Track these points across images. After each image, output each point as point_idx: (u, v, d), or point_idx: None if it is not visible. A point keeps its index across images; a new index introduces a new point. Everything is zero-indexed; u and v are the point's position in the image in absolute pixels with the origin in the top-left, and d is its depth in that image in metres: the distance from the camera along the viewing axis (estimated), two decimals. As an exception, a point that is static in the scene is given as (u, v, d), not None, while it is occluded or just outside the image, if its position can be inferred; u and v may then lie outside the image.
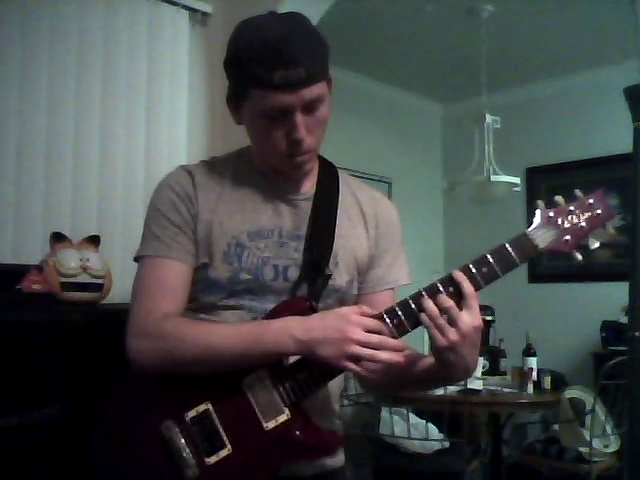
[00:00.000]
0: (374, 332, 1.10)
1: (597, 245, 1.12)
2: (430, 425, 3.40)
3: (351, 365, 1.08)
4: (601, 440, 3.40)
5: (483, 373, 3.52)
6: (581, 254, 1.12)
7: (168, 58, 2.74)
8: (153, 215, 1.23)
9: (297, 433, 1.13)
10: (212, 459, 1.14)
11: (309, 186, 1.28)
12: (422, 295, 1.11)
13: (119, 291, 2.21)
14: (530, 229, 1.13)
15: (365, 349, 1.08)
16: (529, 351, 3.47)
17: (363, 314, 1.12)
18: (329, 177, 1.31)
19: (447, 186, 4.11)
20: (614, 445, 3.43)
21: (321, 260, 1.21)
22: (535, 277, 4.83)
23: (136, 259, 1.24)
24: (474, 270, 1.11)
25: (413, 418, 3.49)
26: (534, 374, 3.40)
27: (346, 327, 1.08)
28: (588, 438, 3.31)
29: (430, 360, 1.17)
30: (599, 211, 1.13)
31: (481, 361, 3.48)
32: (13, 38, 2.31)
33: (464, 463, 3.29)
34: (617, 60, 4.32)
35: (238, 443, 1.14)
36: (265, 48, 1.08)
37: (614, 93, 2.21)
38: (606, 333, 4.22)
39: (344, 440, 1.26)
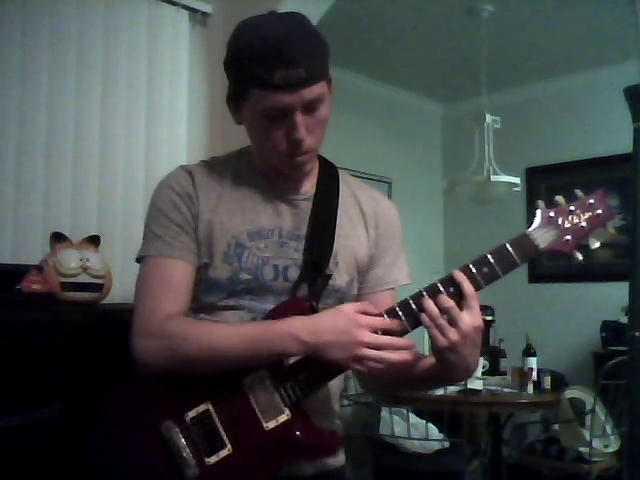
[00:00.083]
0: (383, 331, 1.10)
1: (597, 245, 1.12)
2: (430, 425, 3.40)
3: (360, 367, 1.09)
4: (601, 440, 3.40)
5: (483, 373, 3.52)
6: (582, 254, 1.12)
7: (168, 58, 2.74)
8: (154, 215, 1.23)
9: (297, 433, 1.13)
10: (212, 459, 1.14)
11: (309, 186, 1.28)
12: (422, 295, 1.11)
13: (119, 291, 2.21)
14: (530, 229, 1.13)
15: (374, 351, 1.08)
16: (529, 351, 3.47)
17: (365, 311, 1.12)
18: (329, 177, 1.30)
19: (447, 186, 4.11)
20: (614, 445, 3.43)
21: (321, 260, 1.21)
22: (535, 277, 4.83)
23: (138, 260, 1.24)
24: (474, 270, 1.11)
25: (413, 418, 3.49)
26: (534, 374, 3.40)
27: (355, 330, 1.08)
28: (588, 438, 3.31)
29: (431, 360, 1.17)
30: (599, 211, 1.13)
31: (481, 361, 3.48)
32: (13, 38, 2.31)
33: (464, 463, 3.28)
34: (617, 60, 4.32)
35: (238, 443, 1.14)
36: (265, 48, 1.08)
37: (614, 93, 2.21)
38: (606, 333, 4.22)
39: (344, 440, 1.26)
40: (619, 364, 3.12)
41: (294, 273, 1.21)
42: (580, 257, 1.12)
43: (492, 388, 3.38)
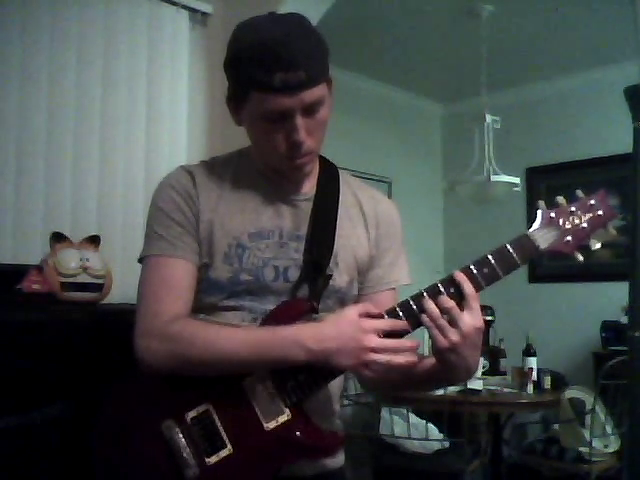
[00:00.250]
0: (387, 332, 1.10)
1: (598, 246, 1.12)
2: (430, 425, 3.40)
3: (369, 372, 1.09)
4: (601, 440, 3.40)
5: (483, 373, 3.52)
6: (582, 255, 1.12)
7: (168, 58, 2.74)
8: (156, 215, 1.23)
9: (297, 434, 1.13)
10: (212, 459, 1.13)
11: (310, 186, 1.28)
12: (423, 296, 1.11)
13: (119, 291, 2.20)
14: (531, 230, 1.12)
15: (382, 356, 1.08)
16: (529, 351, 3.47)
17: (367, 313, 1.12)
18: (330, 177, 1.30)
19: (447, 186, 4.11)
20: (614, 445, 3.43)
21: (321, 260, 1.21)
22: (535, 277, 4.83)
23: (140, 260, 1.24)
24: (475, 271, 1.11)
25: (413, 418, 3.49)
26: (534, 374, 3.40)
27: (361, 336, 1.08)
28: (588, 438, 3.31)
29: (431, 361, 1.17)
30: (600, 212, 1.13)
31: (481, 361, 3.48)
32: (13, 38, 2.31)
33: (464, 463, 3.29)
34: (617, 60, 4.32)
35: (238, 443, 1.14)
36: (265, 50, 1.07)
37: (614, 93, 2.21)
38: (606, 333, 4.22)
39: (345, 440, 1.26)
40: (619, 364, 3.13)
41: (294, 273, 1.20)
42: (581, 258, 1.12)
43: (492, 388, 3.38)
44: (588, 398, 3.47)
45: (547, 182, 4.85)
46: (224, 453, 1.13)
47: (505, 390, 3.38)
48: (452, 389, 3.17)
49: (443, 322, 1.08)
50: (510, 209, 4.68)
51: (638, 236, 1.71)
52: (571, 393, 3.52)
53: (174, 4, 2.75)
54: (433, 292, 1.11)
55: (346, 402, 3.57)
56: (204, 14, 2.87)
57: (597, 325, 4.28)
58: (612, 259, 4.23)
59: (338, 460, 1.28)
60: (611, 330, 4.18)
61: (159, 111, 2.70)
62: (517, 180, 3.74)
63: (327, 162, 1.33)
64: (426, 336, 1.12)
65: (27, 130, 2.33)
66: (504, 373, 3.65)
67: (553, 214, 1.13)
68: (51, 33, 2.41)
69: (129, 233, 2.51)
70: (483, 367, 3.55)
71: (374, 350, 1.08)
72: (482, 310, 1.11)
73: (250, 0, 2.67)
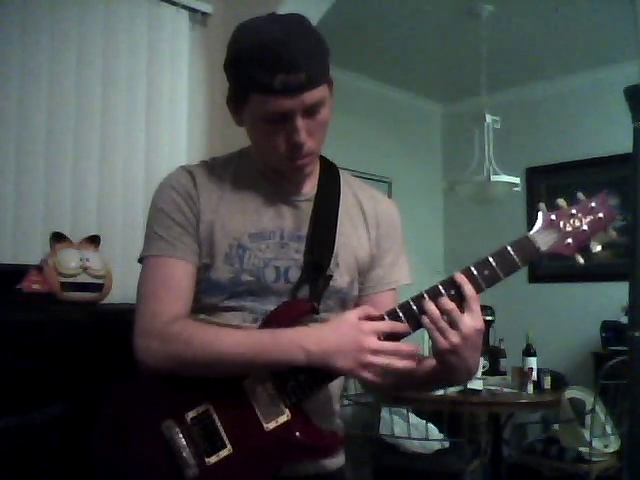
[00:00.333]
0: (388, 334, 1.10)
1: (599, 248, 1.12)
2: (430, 425, 3.40)
3: (369, 376, 1.09)
4: (601, 440, 3.40)
5: (483, 373, 3.53)
6: (583, 257, 1.12)
7: (168, 58, 2.74)
8: (156, 215, 1.23)
9: (297, 434, 1.13)
10: (212, 459, 1.14)
11: (310, 187, 1.28)
12: (423, 297, 1.11)
13: (119, 291, 2.20)
14: (532, 232, 1.13)
15: (380, 358, 1.08)
16: (529, 351, 3.47)
17: (368, 316, 1.12)
18: (330, 177, 1.30)
19: (447, 186, 4.11)
20: (614, 445, 3.43)
21: (322, 260, 1.21)
22: (535, 277, 4.83)
23: (140, 260, 1.24)
24: (475, 272, 1.11)
25: (413, 418, 3.49)
26: (534, 374, 3.40)
27: (360, 337, 1.08)
28: (588, 438, 3.31)
29: (432, 362, 1.17)
30: (601, 215, 1.13)
31: (481, 361, 3.48)
32: (13, 38, 2.31)
33: (464, 463, 3.29)
34: (617, 60, 4.32)
35: (238, 443, 1.14)
36: (265, 52, 1.07)
37: (614, 93, 2.21)
38: (606, 333, 4.22)
39: (345, 440, 1.26)
40: (619, 364, 3.13)
41: (295, 274, 1.20)
42: (581, 260, 1.12)
43: (492, 388, 3.38)
44: (588, 398, 3.47)
45: (547, 182, 4.85)
46: (224, 453, 1.13)
47: (505, 390, 3.38)
48: (452, 389, 3.16)
49: (444, 324, 1.08)
50: (510, 209, 4.68)
51: (638, 236, 1.71)
52: (571, 393, 3.52)
53: (174, 4, 2.75)
54: (434, 294, 1.11)
55: (346, 402, 3.57)
56: (204, 14, 2.87)
57: (597, 325, 4.28)
58: (612, 259, 4.23)
59: (338, 460, 1.28)
60: (611, 330, 4.18)
61: (159, 111, 2.70)
62: (517, 180, 3.74)
63: (328, 162, 1.33)
64: (426, 337, 1.12)
65: (27, 130, 2.33)
66: (504, 373, 3.65)
67: (554, 216, 1.13)
68: (51, 33, 2.41)
69: (129, 233, 2.51)
70: (483, 367, 3.55)
71: (373, 352, 1.08)
72: (482, 310, 1.11)
73: (250, 0, 2.68)
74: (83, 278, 2.00)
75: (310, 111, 1.13)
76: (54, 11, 2.42)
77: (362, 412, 3.77)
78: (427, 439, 3.34)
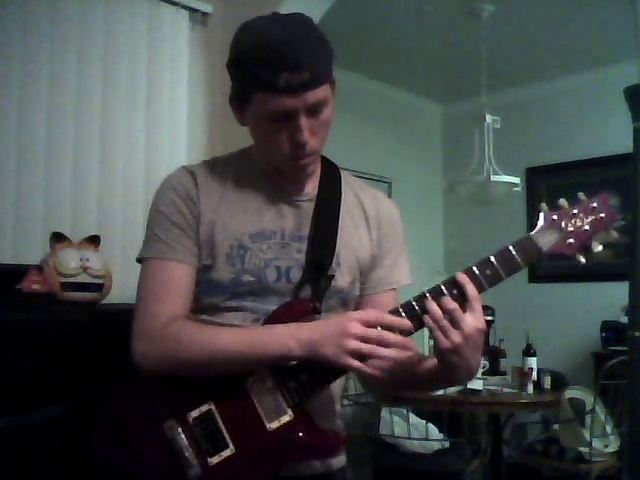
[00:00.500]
0: (377, 326, 1.09)
1: (600, 248, 1.12)
2: (430, 425, 3.40)
3: (355, 362, 1.07)
4: (601, 440, 3.41)
5: (483, 373, 3.53)
6: (584, 257, 1.12)
7: (168, 58, 2.74)
8: (156, 217, 1.23)
9: (300, 434, 1.13)
10: (214, 459, 1.13)
11: (312, 187, 1.28)
12: (426, 297, 1.11)
13: (119, 291, 2.20)
14: (534, 232, 1.13)
15: (364, 344, 1.07)
16: (529, 351, 3.47)
17: (367, 319, 1.11)
18: (332, 178, 1.30)
19: (447, 186, 4.11)
20: (614, 445, 3.43)
21: (323, 260, 1.21)
22: (535, 277, 4.83)
23: (139, 260, 1.24)
24: (477, 272, 1.11)
25: (413, 418, 3.49)
26: (534, 374, 3.40)
27: (344, 323, 1.08)
28: (588, 438, 3.31)
29: (433, 362, 1.17)
30: (602, 214, 1.13)
31: (481, 361, 3.48)
32: (13, 38, 2.31)
33: (464, 463, 3.29)
34: (617, 60, 4.32)
35: (241, 443, 1.13)
36: (269, 51, 1.07)
37: (614, 93, 2.21)
38: (606, 333, 4.22)
39: (347, 441, 1.25)
40: (619, 364, 3.13)
41: (297, 274, 1.20)
42: (583, 260, 1.12)
43: (492, 388, 3.38)
44: (588, 398, 3.47)
45: (547, 182, 4.85)
46: (226, 453, 1.13)
47: (505, 390, 3.38)
48: (452, 389, 3.16)
49: (445, 323, 1.08)
50: (510, 209, 4.68)
51: (638, 236, 1.72)
52: (571, 393, 3.52)
53: (174, 4, 2.75)
54: (436, 293, 1.11)
55: (346, 402, 3.57)
56: (204, 14, 2.87)
57: (597, 325, 4.28)
58: (612, 259, 4.22)
59: (339, 460, 1.28)
60: (611, 330, 4.18)
61: (159, 111, 2.70)
62: (517, 180, 3.74)
63: (329, 162, 1.33)
64: (426, 337, 1.12)
65: (27, 130, 2.33)
66: (504, 373, 3.65)
67: (555, 216, 1.13)
68: (51, 33, 2.40)
69: (129, 233, 2.51)
70: (483, 367, 3.55)
71: (355, 336, 1.06)
72: (483, 310, 1.11)
73: (250, 0, 2.67)
74: (83, 278, 2.00)
75: (313, 110, 1.13)
76: (54, 11, 2.42)
77: (362, 412, 3.77)
78: (427, 439, 3.34)
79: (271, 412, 1.13)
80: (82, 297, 1.99)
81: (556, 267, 4.63)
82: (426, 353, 1.28)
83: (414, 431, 3.35)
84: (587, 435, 3.33)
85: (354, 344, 1.07)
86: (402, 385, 1.30)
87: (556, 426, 3.73)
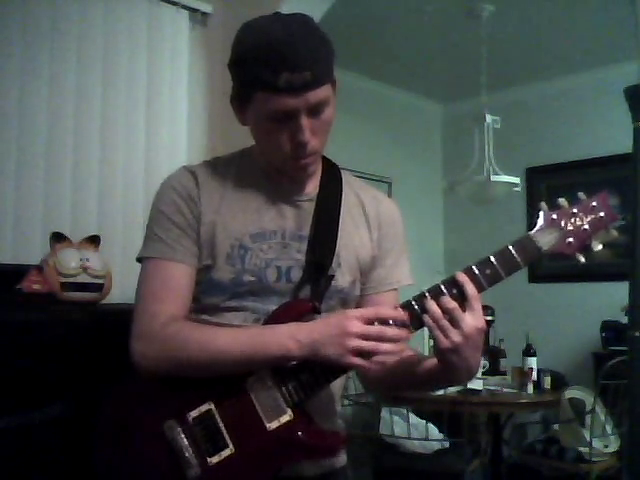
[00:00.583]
0: (375, 321, 1.09)
1: (600, 247, 1.12)
2: (430, 425, 3.40)
3: (358, 361, 1.08)
4: (601, 440, 3.41)
5: (483, 373, 3.53)
6: (584, 256, 1.12)
7: (168, 58, 2.74)
8: (156, 217, 1.23)
9: (300, 434, 1.13)
10: (214, 459, 1.13)
11: (312, 187, 1.28)
12: (425, 296, 1.11)
13: (119, 291, 2.20)
14: (533, 231, 1.13)
15: (366, 342, 1.07)
16: (529, 351, 3.47)
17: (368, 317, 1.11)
18: (332, 178, 1.30)
19: (447, 186, 4.11)
20: (614, 445, 3.43)
21: (324, 260, 1.21)
22: (535, 277, 4.83)
23: (139, 260, 1.24)
24: (477, 272, 1.11)
25: (413, 418, 3.49)
26: (534, 374, 3.40)
27: (344, 322, 1.08)
28: (588, 438, 3.31)
29: (433, 361, 1.17)
30: (602, 214, 1.13)
31: (481, 361, 3.48)
32: (13, 38, 2.31)
33: (464, 463, 3.29)
34: (617, 60, 4.32)
35: (240, 443, 1.14)
36: (270, 51, 1.07)
37: (614, 93, 2.21)
38: (606, 333, 4.22)
39: (347, 440, 1.25)
40: (619, 364, 3.13)
41: (297, 274, 1.20)
42: (583, 259, 1.12)
43: (492, 388, 3.38)
44: (588, 398, 3.47)
45: (547, 182, 4.85)
46: (226, 453, 1.13)
47: (505, 390, 3.38)
48: (452, 389, 3.17)
49: (445, 323, 1.08)
50: (510, 209, 4.68)
51: (638, 236, 1.72)
52: (571, 393, 3.52)
53: (174, 4, 2.75)
54: (435, 293, 1.11)
55: (346, 402, 3.57)
56: (204, 14, 2.87)
57: (597, 325, 4.28)
58: (612, 259, 4.23)
59: (340, 460, 1.28)
60: (611, 330, 4.18)
61: (159, 111, 2.70)
62: (517, 180, 3.74)
63: (329, 162, 1.33)
64: (426, 337, 1.12)
65: (27, 130, 2.32)
66: (504, 373, 3.66)
67: (555, 215, 1.13)
68: (51, 33, 2.40)
69: (129, 233, 2.51)
70: (483, 367, 3.55)
71: (357, 335, 1.07)
72: (483, 310, 1.11)
73: (250, 0, 2.67)
74: (83, 278, 2.00)
75: (314, 110, 1.13)
76: (54, 11, 2.41)
77: (362, 412, 3.77)
78: (427, 439, 3.34)
79: (271, 412, 1.13)
80: (82, 297, 1.99)
81: (556, 267, 4.63)
82: (426, 353, 1.28)
83: (414, 431, 3.35)
84: (587, 435, 3.33)
85: (355, 342, 1.07)
86: (402, 385, 1.30)
87: (556, 426, 3.73)
